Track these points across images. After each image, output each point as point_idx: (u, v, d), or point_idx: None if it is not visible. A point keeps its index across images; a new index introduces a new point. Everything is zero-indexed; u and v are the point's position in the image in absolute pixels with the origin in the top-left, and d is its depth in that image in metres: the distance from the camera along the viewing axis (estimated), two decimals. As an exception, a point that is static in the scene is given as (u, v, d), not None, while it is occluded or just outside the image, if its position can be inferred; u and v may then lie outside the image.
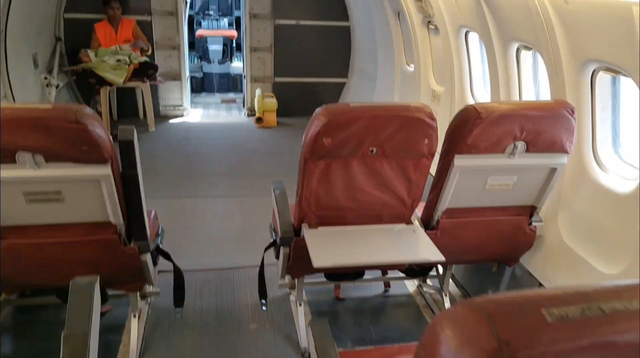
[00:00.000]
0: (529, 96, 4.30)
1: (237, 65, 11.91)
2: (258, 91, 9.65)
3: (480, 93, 5.18)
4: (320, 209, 3.38)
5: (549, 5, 3.27)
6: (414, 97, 6.58)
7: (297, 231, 3.49)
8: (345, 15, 9.78)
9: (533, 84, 4.27)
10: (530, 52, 4.11)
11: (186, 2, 10.09)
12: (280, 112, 9.69)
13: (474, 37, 5.03)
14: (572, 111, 3.17)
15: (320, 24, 9.82)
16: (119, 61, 8.28)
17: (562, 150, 3.32)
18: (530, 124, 3.16)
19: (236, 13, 12.66)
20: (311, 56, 9.99)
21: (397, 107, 3.05)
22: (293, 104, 10.11)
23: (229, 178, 7.24)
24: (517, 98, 4.33)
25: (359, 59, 9.62)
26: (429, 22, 5.84)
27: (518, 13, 3.76)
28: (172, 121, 9.71)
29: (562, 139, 3.26)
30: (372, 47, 8.50)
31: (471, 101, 5.23)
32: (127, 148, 3.07)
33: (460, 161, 3.28)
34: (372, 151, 3.14)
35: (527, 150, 3.29)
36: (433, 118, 3.06)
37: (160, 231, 4.07)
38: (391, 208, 3.47)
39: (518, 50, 4.15)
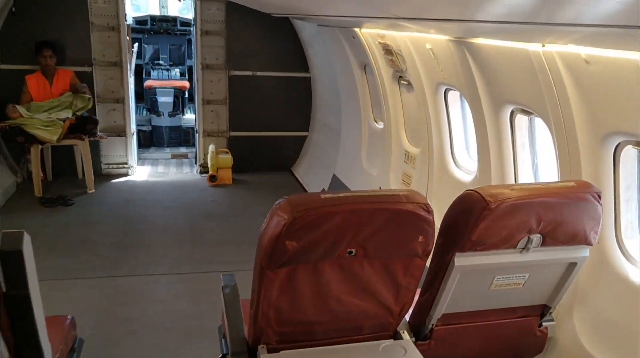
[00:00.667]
0: (524, 165, 3.68)
1: (189, 117, 11.13)
2: (211, 147, 8.86)
3: (463, 158, 4.56)
4: (283, 325, 2.58)
5: (561, 66, 2.66)
6: (384, 157, 5.94)
7: (253, 352, 2.67)
8: (305, 66, 9.23)
9: (530, 153, 3.66)
10: (527, 116, 3.51)
11: (132, 52, 9.34)
12: (236, 169, 8.92)
13: (454, 95, 4.44)
14: (599, 196, 2.52)
15: (278, 75, 9.22)
16: (57, 116, 7.40)
17: (585, 242, 2.66)
18: (550, 213, 2.49)
19: (188, 63, 11.96)
20: (269, 108, 9.33)
21: (383, 198, 2.32)
22: (250, 159, 9.38)
23: (176, 249, 6.33)
24: (511, 167, 3.70)
25: (322, 112, 9.02)
26: (400, 77, 5.26)
27: (516, 73, 3.16)
28: (115, 180, 8.77)
29: (586, 230, 2.60)
30: (336, 100, 7.91)
31: (452, 166, 4.60)
32: (13, 261, 2.20)
33: (461, 261, 2.57)
34: (350, 252, 2.39)
35: (544, 243, 2.62)
36: (429, 210, 2.35)
37: (76, 344, 3.16)
38: (374, 318, 2.70)
39: (513, 113, 3.54)
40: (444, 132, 4.57)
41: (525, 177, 3.71)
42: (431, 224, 2.39)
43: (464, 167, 4.48)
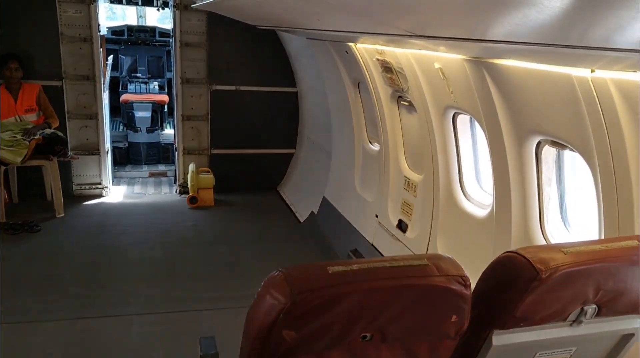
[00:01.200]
0: (551, 202, 3.20)
1: (168, 133, 10.55)
2: (192, 166, 8.29)
3: (473, 189, 4.07)
4: None
5: (616, 95, 2.18)
6: (380, 182, 5.44)
7: None
8: (292, 81, 8.72)
9: (557, 188, 3.18)
10: (557, 149, 3.03)
11: (107, 64, 8.75)
12: (218, 189, 8.35)
13: (464, 119, 3.96)
14: (668, 257, 2.04)
15: (263, 89, 8.70)
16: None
17: (646, 312, 2.17)
18: (611, 281, 2.00)
19: (168, 75, 11.39)
20: (254, 124, 8.80)
21: (408, 270, 1.80)
22: (233, 179, 8.82)
23: (152, 283, 5.74)
24: (535, 204, 3.22)
25: (309, 129, 8.51)
26: (400, 97, 4.77)
27: (550, 100, 2.69)
28: (87, 202, 8.14)
29: (650, 297, 2.11)
30: (326, 118, 7.41)
31: (461, 197, 4.11)
32: None
33: (501, 340, 2.06)
34: (365, 337, 1.86)
35: (598, 314, 2.12)
36: (466, 283, 1.84)
37: None
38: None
39: (539, 145, 3.06)
40: (452, 159, 4.09)
41: (552, 216, 3.23)
42: (468, 300, 1.87)
43: (475, 199, 4.00)
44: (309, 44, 6.73)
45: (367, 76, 5.05)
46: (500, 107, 3.11)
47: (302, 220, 7.59)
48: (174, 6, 8.05)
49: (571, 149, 2.77)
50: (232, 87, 8.56)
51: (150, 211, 7.95)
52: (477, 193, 4.04)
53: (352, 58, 5.24)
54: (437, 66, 3.56)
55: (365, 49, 4.80)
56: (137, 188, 9.00)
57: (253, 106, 8.72)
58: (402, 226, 4.94)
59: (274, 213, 8.10)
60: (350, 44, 5.03)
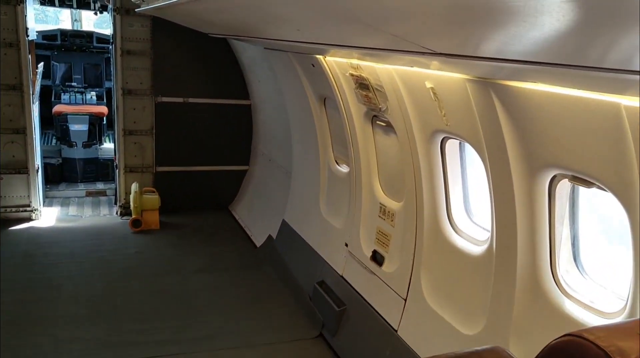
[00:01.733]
0: (563, 243, 2.81)
1: (107, 147, 9.69)
2: (134, 186, 7.53)
3: (462, 220, 3.65)
4: None
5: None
6: (350, 207, 4.95)
7: None
8: (245, 93, 8.14)
9: (570, 228, 2.79)
10: (571, 184, 2.64)
11: (37, 72, 7.87)
12: (164, 210, 7.64)
13: (453, 144, 3.54)
14: None
15: (214, 102, 8.06)
16: None
17: None
18: None
19: (107, 84, 10.51)
20: (203, 139, 8.14)
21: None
22: (181, 198, 8.13)
23: (89, 326, 5.00)
24: (546, 244, 2.82)
25: (265, 144, 7.94)
26: (375, 116, 4.31)
27: (578, 131, 2.28)
28: (14, 227, 7.22)
29: None
30: (284, 134, 6.88)
31: (449, 230, 3.68)
32: None
33: None
34: None
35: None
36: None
37: None
38: None
39: (554, 179, 2.66)
40: (438, 188, 3.66)
41: (564, 259, 2.83)
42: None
43: (465, 233, 3.58)
44: (266, 54, 6.19)
45: (337, 92, 4.57)
46: (509, 135, 2.69)
47: (258, 245, 7.00)
48: (114, 10, 7.30)
49: (600, 188, 2.37)
50: (180, 99, 7.88)
51: (88, 237, 7.13)
52: (468, 226, 3.62)
53: (319, 72, 4.75)
54: (428, 85, 3.12)
55: (336, 63, 4.32)
56: (72, 210, 8.12)
57: (202, 120, 8.07)
58: (377, 258, 4.47)
59: (227, 236, 7.46)
60: (318, 56, 4.54)
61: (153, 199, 7.53)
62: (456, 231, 3.64)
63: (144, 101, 7.75)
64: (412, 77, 3.33)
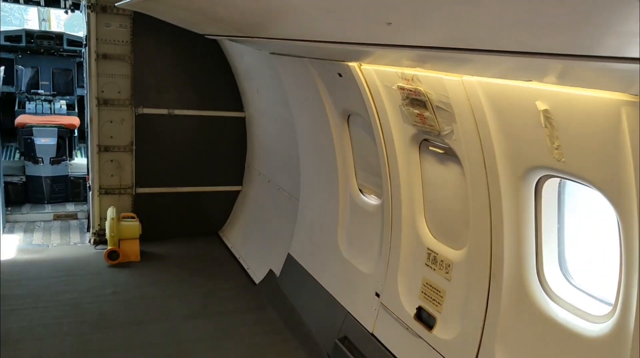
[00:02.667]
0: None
1: (79, 163, 8.58)
2: (111, 211, 6.47)
3: (557, 282, 2.75)
4: None
5: None
6: (384, 249, 4.03)
7: None
8: (238, 104, 7.17)
9: None
10: None
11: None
12: (145, 237, 6.60)
13: (552, 184, 2.64)
14: None
15: (203, 114, 7.08)
16: None
17: None
18: None
19: (79, 92, 9.40)
20: (190, 156, 7.14)
21: None
22: (164, 224, 7.11)
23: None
24: None
25: (261, 163, 6.97)
26: (425, 139, 3.40)
27: None
28: (-35, 261, 6.09)
29: None
30: (287, 151, 5.93)
31: (540, 295, 2.78)
32: None
33: None
34: None
35: None
36: None
37: None
38: None
39: None
40: (525, 239, 2.76)
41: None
42: None
43: (564, 300, 2.68)
44: (271, 60, 5.25)
45: (373, 109, 3.64)
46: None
47: (257, 280, 6.01)
48: (88, 7, 6.26)
49: None
50: (164, 111, 6.86)
51: (55, 273, 6.03)
52: (565, 291, 2.72)
53: (347, 83, 3.83)
54: (541, 107, 2.23)
55: (376, 72, 3.40)
56: (37, 237, 7.01)
57: (189, 134, 7.07)
58: (425, 317, 3.55)
59: (219, 269, 6.45)
60: (349, 63, 3.61)
61: (133, 226, 6.49)
62: (550, 297, 2.73)
63: (122, 112, 6.71)
64: (509, 94, 2.42)
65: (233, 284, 6.08)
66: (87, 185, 7.02)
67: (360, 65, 3.53)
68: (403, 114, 3.41)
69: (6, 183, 7.43)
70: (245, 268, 6.39)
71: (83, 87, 9.05)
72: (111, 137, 6.73)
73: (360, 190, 4.52)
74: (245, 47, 5.98)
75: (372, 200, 4.34)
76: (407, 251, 3.76)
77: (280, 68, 5.07)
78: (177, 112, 6.92)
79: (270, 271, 5.88)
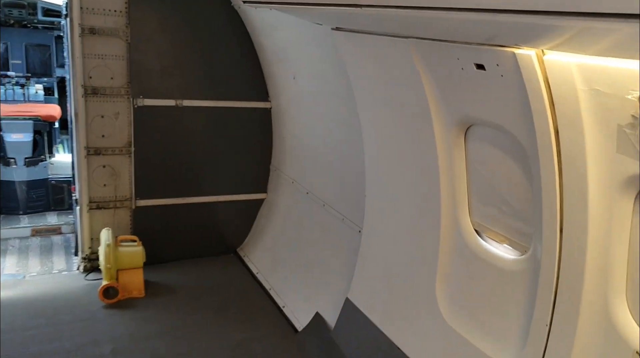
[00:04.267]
0: None
1: (62, 161, 7.01)
2: (106, 234, 5.00)
3: None
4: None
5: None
6: (535, 332, 2.64)
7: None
8: (262, 91, 5.68)
9: None
10: None
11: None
12: (148, 260, 5.17)
13: None
14: None
15: (217, 105, 5.58)
16: None
17: None
18: None
19: (59, 73, 7.78)
20: (203, 158, 5.68)
21: None
22: (171, 243, 5.68)
23: None
24: None
25: (294, 165, 5.53)
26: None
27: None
28: None
29: None
30: (340, 156, 4.50)
31: None
32: None
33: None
34: None
35: None
36: None
37: None
38: None
39: None
40: None
41: None
42: None
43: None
44: (324, 38, 3.77)
45: (549, 125, 2.21)
46: None
47: (299, 326, 4.63)
48: (69, -36, 4.68)
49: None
50: (170, 102, 5.35)
51: (33, 321, 4.57)
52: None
53: (493, 81, 2.38)
54: None
55: (582, 67, 1.96)
56: (9, 263, 5.53)
57: (202, 130, 5.59)
58: None
59: (246, 306, 5.05)
60: (519, 50, 2.17)
61: (134, 253, 5.04)
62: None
63: (116, 104, 5.19)
64: None
65: (268, 330, 4.68)
66: (73, 198, 5.53)
67: (544, 53, 2.08)
68: (621, 141, 1.99)
69: (-31, 191, 5.90)
70: (280, 305, 4.99)
71: (64, 67, 7.45)
72: (103, 136, 5.21)
73: (477, 231, 3.10)
74: (281, 20, 4.47)
75: (498, 248, 2.92)
76: (594, 343, 2.38)
77: (348, 50, 3.59)
78: (186, 103, 5.41)
79: (318, 316, 4.49)
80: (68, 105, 5.56)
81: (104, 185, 5.35)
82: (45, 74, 7.76)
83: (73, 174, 5.42)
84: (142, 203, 5.50)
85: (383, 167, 3.81)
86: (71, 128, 5.28)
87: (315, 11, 3.11)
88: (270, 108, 5.77)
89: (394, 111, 3.40)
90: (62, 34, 7.38)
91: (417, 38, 2.78)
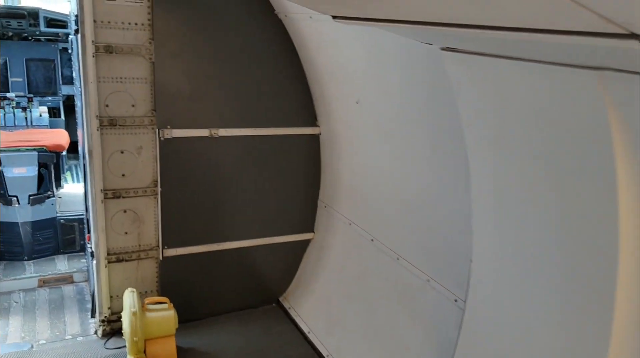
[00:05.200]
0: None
1: (71, 194, 6.11)
2: (130, 297, 4.09)
3: None
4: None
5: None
6: None
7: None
8: (308, 114, 4.77)
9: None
10: None
11: None
12: (180, 317, 4.26)
13: None
14: None
15: (256, 133, 4.66)
16: None
17: None
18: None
19: (65, 90, 6.86)
20: (240, 196, 4.76)
21: None
22: (204, 297, 4.77)
23: None
24: None
25: (351, 204, 4.61)
26: None
27: None
28: None
29: None
30: (423, 201, 3.58)
31: None
32: None
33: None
34: None
35: None
36: None
37: None
38: None
39: None
40: None
41: None
42: None
43: None
44: (416, 56, 2.86)
45: None
46: None
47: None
48: (79, -33, 3.76)
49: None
50: (203, 132, 4.43)
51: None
52: None
53: None
54: None
55: None
56: (13, 328, 4.62)
57: (238, 164, 4.67)
58: None
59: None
60: None
61: (165, 320, 4.14)
62: None
63: (139, 137, 4.28)
64: None
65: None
66: (88, 249, 4.62)
67: None
68: None
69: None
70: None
71: (71, 83, 6.57)
72: (123, 175, 4.30)
73: None
74: (349, 35, 3.56)
75: None
76: None
77: (463, 74, 2.66)
78: (222, 132, 4.49)
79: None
80: (79, 131, 4.68)
81: (125, 233, 4.44)
82: (49, 92, 6.84)
83: (86, 224, 4.51)
84: (171, 252, 4.59)
85: (505, 227, 2.88)
86: (84, 163, 4.37)
87: (432, 31, 2.20)
88: (319, 134, 4.86)
89: (535, 156, 2.48)
90: (67, 46, 6.51)
91: (611, 69, 1.86)
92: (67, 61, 6.91)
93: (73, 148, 6.23)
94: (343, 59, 3.98)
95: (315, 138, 4.88)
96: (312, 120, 4.81)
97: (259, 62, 4.48)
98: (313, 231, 5.13)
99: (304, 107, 4.74)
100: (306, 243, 5.16)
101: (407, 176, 3.81)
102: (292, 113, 4.72)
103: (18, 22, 6.48)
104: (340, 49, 3.89)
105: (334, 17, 2.51)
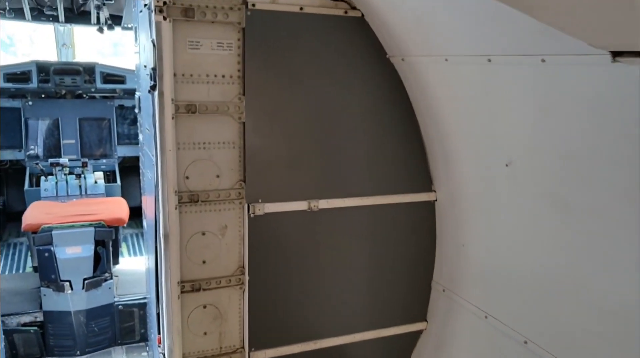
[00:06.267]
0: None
1: (129, 267, 5.30)
2: None
3: None
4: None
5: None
6: None
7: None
8: (421, 177, 3.87)
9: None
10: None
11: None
12: None
13: None
14: None
15: (361, 203, 3.77)
16: None
17: None
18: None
19: (121, 151, 6.18)
20: (344, 282, 3.84)
21: None
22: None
23: None
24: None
25: (481, 284, 3.62)
26: None
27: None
28: None
29: None
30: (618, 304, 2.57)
31: None
32: None
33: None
34: None
35: None
36: None
37: None
38: None
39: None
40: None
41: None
42: None
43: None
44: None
45: None
46: None
47: None
48: (157, 9, 3.02)
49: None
50: (302, 205, 3.57)
51: None
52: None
53: None
54: None
55: None
56: None
57: (341, 242, 3.77)
58: None
59: None
60: None
61: None
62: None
63: (223, 214, 3.44)
64: None
65: None
66: (159, 353, 3.74)
67: None
68: None
69: (9, 332, 4.18)
70: None
71: (125, 143, 5.88)
72: (204, 262, 3.45)
73: None
74: (502, 77, 2.69)
75: None
76: None
77: None
78: (323, 204, 3.62)
79: None
80: (143, 198, 3.89)
81: (204, 333, 3.56)
82: (103, 154, 6.15)
83: (159, 321, 3.65)
84: (259, 355, 3.67)
85: None
86: (159, 252, 3.55)
87: None
88: (434, 201, 3.94)
89: None
90: (122, 104, 5.86)
91: None
92: (122, 119, 6.26)
93: (136, 213, 5.48)
94: (491, 110, 3.09)
95: (430, 206, 3.97)
96: (427, 184, 3.92)
97: (366, 119, 3.65)
98: (425, 321, 4.15)
99: (417, 169, 3.86)
100: (416, 335, 4.18)
101: (597, 267, 2.82)
102: (402, 177, 3.84)
103: (72, 79, 5.86)
104: (490, 97, 3.01)
105: (614, 53, 1.63)
